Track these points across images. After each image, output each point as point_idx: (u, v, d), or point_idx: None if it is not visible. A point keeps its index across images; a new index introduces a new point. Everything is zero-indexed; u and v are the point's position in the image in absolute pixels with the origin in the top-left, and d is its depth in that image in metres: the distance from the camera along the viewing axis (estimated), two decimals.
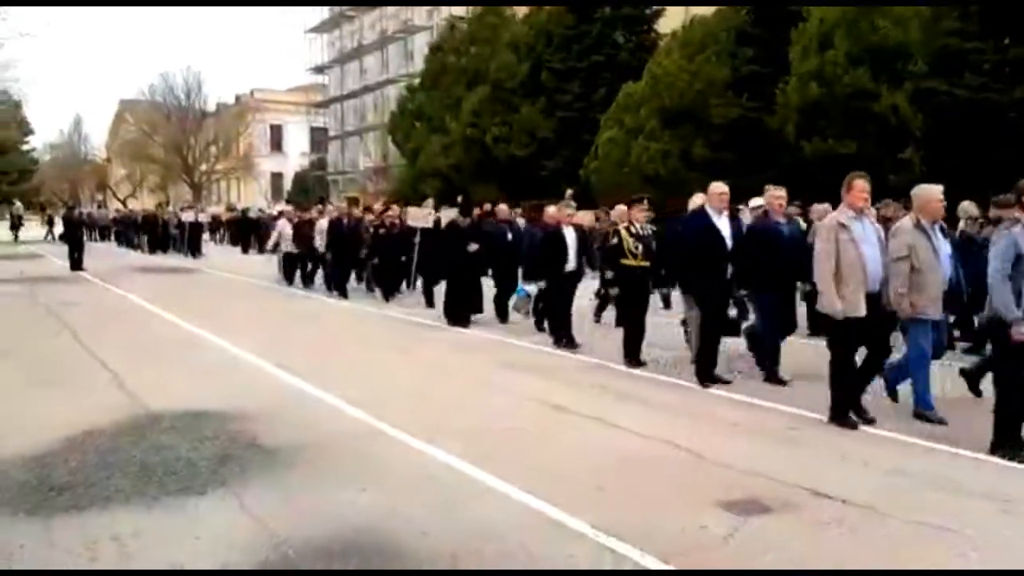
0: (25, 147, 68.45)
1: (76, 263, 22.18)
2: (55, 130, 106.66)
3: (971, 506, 5.01)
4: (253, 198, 59.25)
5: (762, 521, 4.72)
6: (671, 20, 28.88)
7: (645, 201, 9.44)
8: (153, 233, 32.18)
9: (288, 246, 18.37)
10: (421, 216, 15.60)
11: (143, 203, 61.37)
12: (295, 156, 67.59)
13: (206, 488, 5.15)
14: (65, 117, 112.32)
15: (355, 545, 4.31)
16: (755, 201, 9.99)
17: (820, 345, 7.54)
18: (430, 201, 16.44)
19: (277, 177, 67.72)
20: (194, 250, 29.48)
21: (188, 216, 31.21)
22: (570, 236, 10.38)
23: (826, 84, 19.11)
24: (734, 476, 5.46)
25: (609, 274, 9.46)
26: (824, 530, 4.60)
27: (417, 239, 15.36)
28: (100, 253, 29.47)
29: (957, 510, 4.90)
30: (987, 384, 7.28)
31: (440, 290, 13.57)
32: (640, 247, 9.11)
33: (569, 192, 17.83)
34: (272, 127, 69.41)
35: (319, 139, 62.96)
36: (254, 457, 5.77)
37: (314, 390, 7.82)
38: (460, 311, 12.24)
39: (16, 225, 40.61)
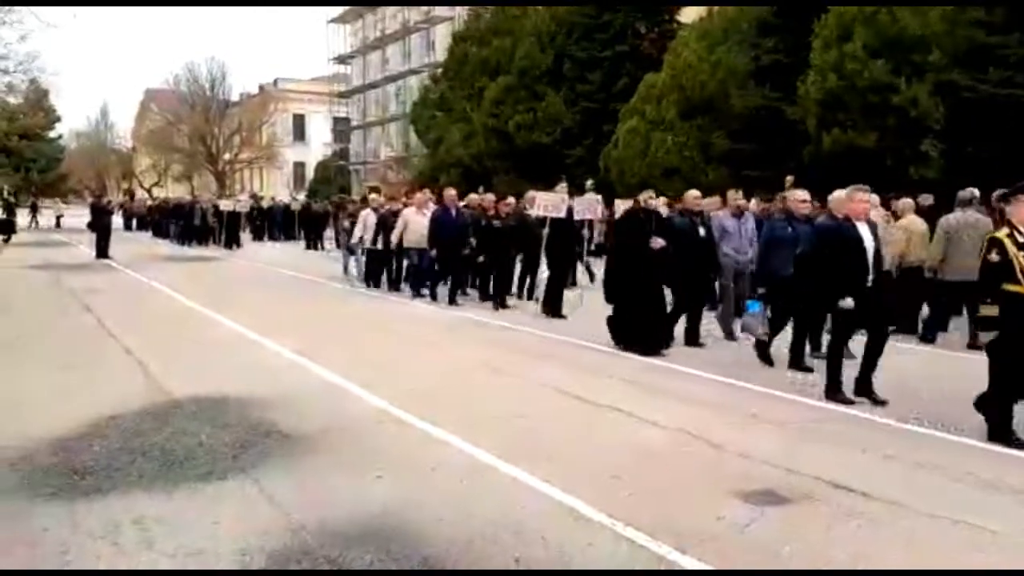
0: (52, 135, 69.16)
1: (102, 251, 22.38)
2: (82, 118, 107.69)
3: (995, 501, 4.97)
4: (276, 187, 59.58)
5: (780, 512, 4.71)
6: (693, 9, 28.71)
7: None
8: (188, 223, 30.36)
9: (370, 240, 15.64)
10: (554, 202, 12.63)
11: (168, 192, 61.95)
12: (318, 146, 67.81)
13: (226, 474, 5.20)
14: (92, 105, 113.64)
15: (372, 531, 4.34)
16: None
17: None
18: (563, 185, 13.35)
19: (300, 167, 68.02)
20: (231, 241, 28.07)
21: (227, 205, 29.61)
22: (866, 235, 7.26)
23: (845, 76, 18.92)
24: (753, 467, 5.45)
25: (991, 309, 6.19)
26: (843, 522, 4.57)
27: (546, 231, 12.57)
28: (134, 243, 29.59)
29: (980, 505, 4.86)
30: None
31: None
32: None
33: (590, 183, 17.74)
34: (295, 117, 69.65)
35: (341, 129, 63.13)
36: (274, 444, 5.82)
37: (339, 380, 7.85)
38: (646, 334, 9.37)
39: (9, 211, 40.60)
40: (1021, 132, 16.39)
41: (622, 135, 25.92)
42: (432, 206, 14.55)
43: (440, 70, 40.15)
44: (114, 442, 5.79)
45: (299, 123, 70.49)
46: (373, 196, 17.55)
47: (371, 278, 15.98)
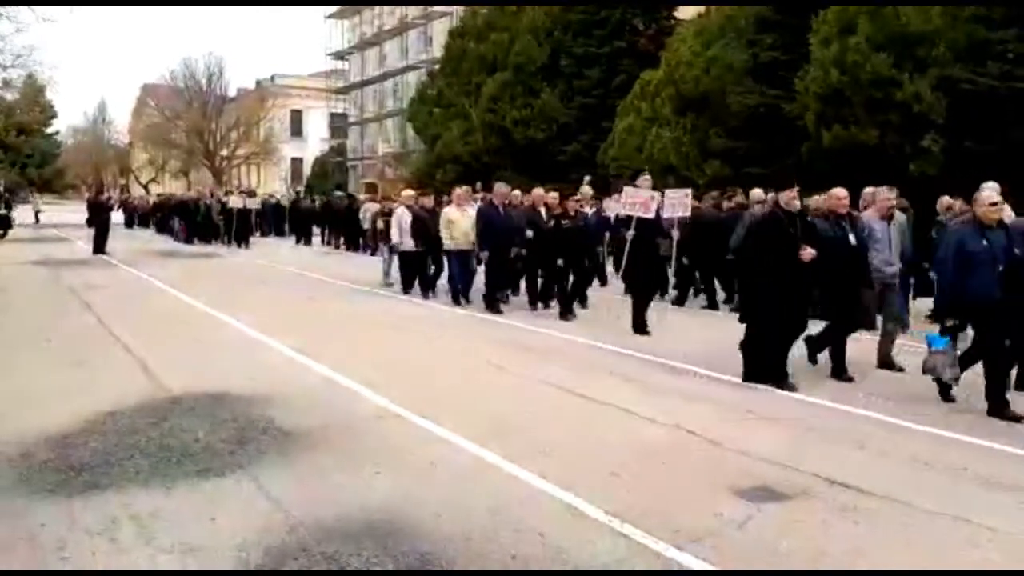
0: (48, 130, 69.13)
1: (99, 247, 22.39)
2: (79, 114, 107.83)
3: (992, 498, 4.99)
4: (274, 183, 59.55)
5: (777, 509, 4.72)
6: (691, 6, 28.72)
7: None
8: (192, 220, 28.66)
9: (407, 242, 14.10)
10: (642, 200, 10.68)
11: (166, 187, 61.93)
12: (315, 142, 67.79)
13: (224, 470, 5.20)
14: (89, 102, 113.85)
15: (370, 527, 4.35)
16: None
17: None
18: (647, 178, 11.19)
19: (297, 162, 68.00)
20: (241, 240, 26.54)
21: (236, 202, 27.90)
22: None
23: (847, 71, 18.92)
24: (750, 464, 5.46)
25: None
26: (840, 519, 4.59)
27: (630, 233, 10.60)
28: (134, 240, 29.24)
29: (977, 501, 4.88)
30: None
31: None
32: None
33: (588, 179, 17.75)
34: (292, 112, 69.56)
35: (339, 125, 63.07)
36: (272, 440, 5.82)
37: (339, 377, 7.84)
38: (779, 362, 7.75)
39: None
40: (1019, 126, 16.43)
41: (619, 132, 25.92)
42: (472, 203, 13.65)
43: (437, 66, 40.14)
44: (112, 438, 5.79)
45: (296, 119, 70.41)
46: (408, 192, 15.51)
47: (407, 282, 14.51)
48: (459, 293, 13.23)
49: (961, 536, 4.40)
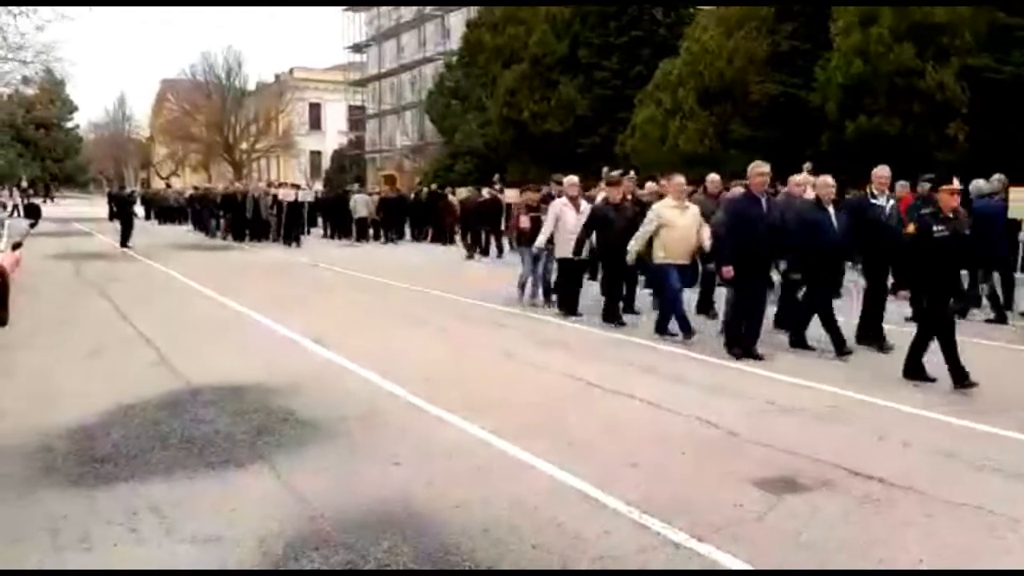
0: (69, 124, 69.66)
1: (124, 240, 22.63)
2: (99, 109, 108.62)
3: (1015, 489, 4.92)
4: (293, 176, 59.83)
5: (798, 500, 4.68)
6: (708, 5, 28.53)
7: None
8: (239, 216, 26.08)
9: (566, 247, 10.77)
10: None
11: (186, 181, 62.32)
12: (333, 134, 67.96)
13: (244, 461, 5.22)
14: (109, 96, 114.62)
15: (389, 517, 4.35)
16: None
17: None
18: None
19: (316, 155, 68.21)
20: (291, 237, 24.51)
21: (286, 194, 25.52)
22: None
23: (870, 61, 18.74)
24: (770, 454, 5.42)
25: None
26: (861, 510, 4.54)
27: None
28: (166, 236, 28.77)
29: (1000, 492, 4.82)
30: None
31: None
32: None
33: (605, 170, 17.63)
34: (311, 105, 69.81)
35: (357, 117, 63.20)
36: (292, 431, 5.84)
37: (359, 368, 7.85)
38: None
39: None
40: None
41: (639, 123, 25.79)
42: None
43: (455, 58, 40.10)
44: (133, 430, 5.83)
45: (315, 112, 70.68)
46: (571, 179, 11.42)
47: (566, 301, 11.03)
48: (675, 321, 9.40)
49: (983, 527, 4.35)
